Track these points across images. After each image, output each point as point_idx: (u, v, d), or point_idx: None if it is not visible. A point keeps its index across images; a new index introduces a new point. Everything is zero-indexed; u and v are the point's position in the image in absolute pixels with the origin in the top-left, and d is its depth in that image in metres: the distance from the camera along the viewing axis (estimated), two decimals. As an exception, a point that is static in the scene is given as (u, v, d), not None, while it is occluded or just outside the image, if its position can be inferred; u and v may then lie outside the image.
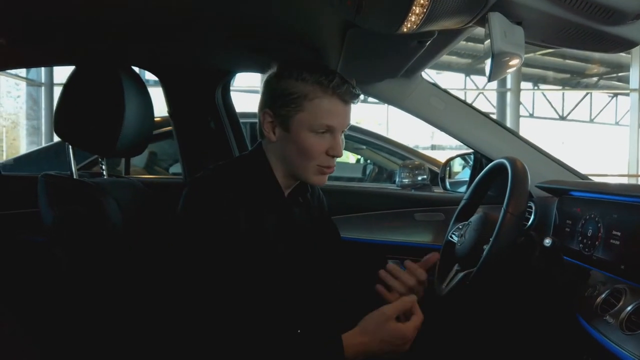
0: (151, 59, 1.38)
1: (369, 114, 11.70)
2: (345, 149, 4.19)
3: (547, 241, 1.03)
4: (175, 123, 1.53)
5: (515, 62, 0.76)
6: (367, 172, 4.18)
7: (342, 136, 1.03)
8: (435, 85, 1.44)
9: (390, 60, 1.15)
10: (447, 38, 1.04)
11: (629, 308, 0.89)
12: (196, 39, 1.19)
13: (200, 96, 1.48)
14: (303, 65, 0.98)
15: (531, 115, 13.26)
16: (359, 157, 4.71)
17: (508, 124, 9.57)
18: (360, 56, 1.13)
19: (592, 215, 1.14)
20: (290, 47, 1.17)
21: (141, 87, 1.20)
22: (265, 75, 1.02)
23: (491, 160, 1.28)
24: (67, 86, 1.13)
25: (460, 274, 1.13)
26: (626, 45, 0.76)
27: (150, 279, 1.08)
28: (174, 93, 1.50)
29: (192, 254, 0.90)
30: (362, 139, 3.67)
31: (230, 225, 0.91)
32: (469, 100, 11.67)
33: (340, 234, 1.35)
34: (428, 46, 1.05)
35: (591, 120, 14.23)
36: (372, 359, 0.90)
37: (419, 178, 2.61)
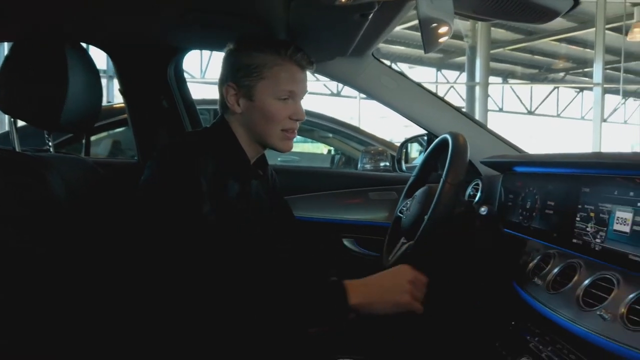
0: (100, 35, 1.36)
1: (341, 108, 11.77)
2: (312, 138, 4.20)
3: (483, 209, 1.07)
4: (128, 101, 1.51)
5: (444, 30, 0.78)
6: (335, 161, 4.21)
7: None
8: (386, 65, 1.46)
9: (336, 36, 1.17)
10: (389, 13, 1.06)
11: (555, 270, 0.93)
12: (146, 14, 1.18)
13: (152, 74, 1.47)
14: (259, 39, 1.05)
15: (500, 110, 13.53)
16: (330, 148, 4.74)
17: (477, 117, 9.73)
18: (307, 31, 1.14)
19: (531, 189, 1.18)
20: (239, 23, 1.17)
21: (88, 63, 1.19)
22: (225, 51, 1.07)
23: None
24: (9, 59, 1.11)
25: (405, 246, 1.17)
26: (550, 14, 0.80)
27: (104, 256, 1.06)
28: (125, 71, 1.48)
29: (176, 218, 0.88)
30: (328, 127, 3.69)
31: (203, 187, 0.91)
32: (440, 94, 11.91)
33: (296, 214, 1.36)
34: (373, 22, 1.07)
35: (558, 115, 14.61)
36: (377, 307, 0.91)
37: (381, 164, 2.65)
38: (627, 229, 0.82)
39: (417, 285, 0.94)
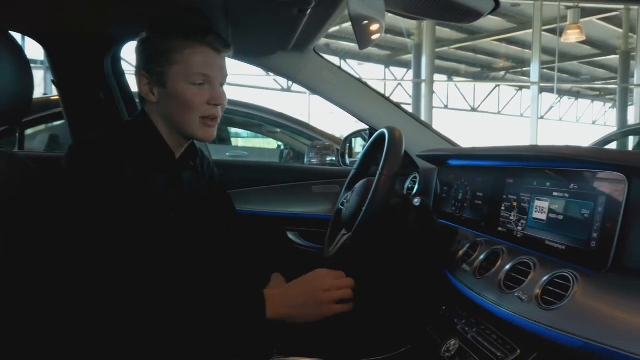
0: (32, 24, 1.30)
1: (292, 103, 11.75)
2: (261, 133, 4.17)
3: (417, 200, 1.11)
4: (62, 93, 1.45)
5: (376, 27, 0.81)
6: (283, 156, 4.22)
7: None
8: (327, 60, 1.49)
9: (276, 30, 1.18)
10: (327, 9, 1.08)
11: (481, 257, 0.99)
12: (81, 3, 1.14)
13: (88, 65, 1.42)
14: (170, 24, 1.00)
15: (446, 107, 13.95)
16: (279, 143, 4.74)
17: (423, 114, 10.00)
18: (247, 25, 1.14)
19: (463, 181, 1.24)
20: (178, 14, 1.15)
21: (16, 52, 1.13)
22: (137, 40, 1.03)
23: None
24: None
25: (345, 237, 1.20)
26: (474, 15, 0.84)
27: (31, 252, 1.02)
28: (58, 61, 1.42)
29: (97, 217, 0.86)
30: (277, 122, 3.69)
31: (124, 183, 0.89)
32: (388, 91, 12.16)
33: (240, 208, 1.36)
34: (312, 18, 1.09)
35: (499, 112, 15.27)
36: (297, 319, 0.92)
37: (328, 159, 2.68)
38: (544, 216, 0.89)
39: (337, 288, 0.96)
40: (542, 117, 12.43)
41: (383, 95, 1.54)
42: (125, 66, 1.57)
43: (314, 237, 1.62)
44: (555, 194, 0.87)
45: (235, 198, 1.37)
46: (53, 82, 1.45)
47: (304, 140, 3.82)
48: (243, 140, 5.45)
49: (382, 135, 1.23)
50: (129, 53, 1.48)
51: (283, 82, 11.15)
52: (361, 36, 0.81)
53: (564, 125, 16.75)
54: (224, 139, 4.05)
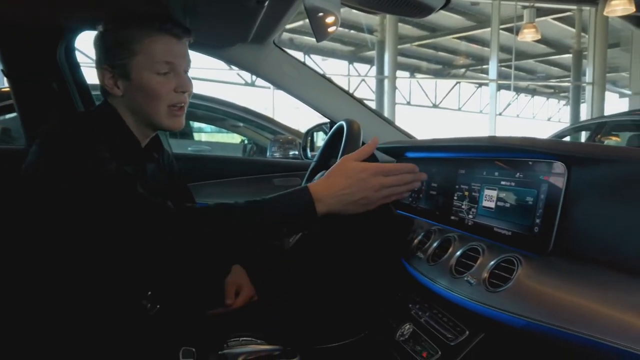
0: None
1: (256, 98, 11.68)
2: (224, 127, 4.13)
3: (374, 191, 1.14)
4: (13, 84, 1.40)
5: (331, 20, 0.83)
6: (247, 150, 4.20)
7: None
8: (287, 53, 1.50)
9: (234, 22, 1.18)
10: (285, 1, 1.09)
11: (435, 244, 1.03)
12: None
13: (40, 55, 1.38)
14: (127, 14, 0.99)
15: (408, 103, 14.19)
16: (243, 137, 4.71)
17: (386, 110, 10.14)
18: (205, 16, 1.14)
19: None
20: (133, 3, 1.13)
21: None
22: (95, 34, 1.01)
23: None
24: None
25: (304, 228, 1.21)
26: (426, 10, 0.87)
27: None
28: (9, 51, 1.37)
29: (67, 203, 0.84)
30: (240, 116, 3.67)
31: (94, 169, 0.86)
32: (352, 87, 12.26)
33: (201, 201, 1.35)
34: (271, 10, 1.09)
35: (459, 109, 15.65)
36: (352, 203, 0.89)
37: (290, 152, 2.69)
38: (492, 205, 0.93)
39: (387, 185, 0.91)
40: (500, 114, 12.84)
41: (343, 90, 1.56)
42: (81, 58, 1.54)
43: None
44: (502, 183, 0.91)
45: (196, 191, 1.37)
46: (3, 72, 1.40)
47: (267, 134, 3.81)
48: (206, 134, 5.39)
49: (340, 127, 1.26)
50: (83, 44, 1.45)
51: (247, 76, 11.07)
52: (317, 29, 0.83)
53: (521, 121, 17.34)
54: (186, 133, 4.00)
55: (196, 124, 4.64)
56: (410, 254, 1.10)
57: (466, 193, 1.03)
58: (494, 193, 0.94)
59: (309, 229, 0.90)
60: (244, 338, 0.91)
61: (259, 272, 1.14)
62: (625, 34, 10.89)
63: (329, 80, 1.55)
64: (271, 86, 10.64)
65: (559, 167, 0.78)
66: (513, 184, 0.89)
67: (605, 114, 8.76)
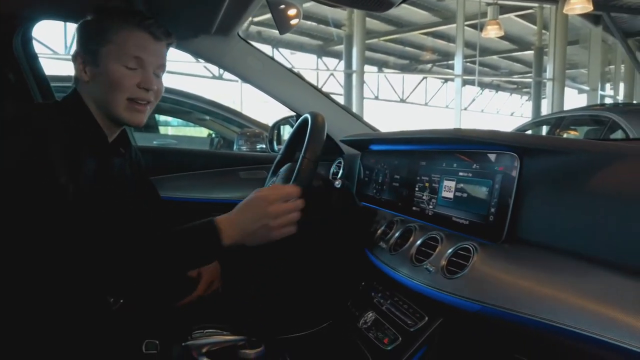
0: None
1: (224, 91, 11.54)
2: (190, 120, 4.05)
3: (337, 183, 1.16)
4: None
5: (293, 12, 0.83)
6: (214, 144, 4.16)
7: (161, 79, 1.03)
8: (252, 45, 1.49)
9: (197, 12, 1.17)
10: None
11: (397, 234, 1.05)
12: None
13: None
14: (110, 7, 0.99)
15: (376, 98, 14.30)
16: (209, 131, 4.65)
17: (354, 104, 10.21)
18: (166, 6, 1.13)
19: (383, 165, 1.31)
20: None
21: None
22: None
23: None
24: None
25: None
26: (386, 4, 0.89)
27: None
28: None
29: (25, 196, 0.81)
30: (207, 110, 3.63)
31: (56, 161, 0.85)
32: (320, 81, 12.27)
33: (166, 194, 1.34)
34: (234, 1, 1.09)
35: (426, 104, 15.89)
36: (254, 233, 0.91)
37: (257, 146, 2.69)
38: (451, 195, 0.96)
39: (286, 213, 0.93)
40: (465, 109, 13.12)
41: (309, 83, 1.57)
42: (40, 49, 1.49)
43: (241, 223, 1.62)
44: (461, 174, 0.94)
45: (161, 184, 1.35)
46: (-46, 61, 1.35)
47: (234, 128, 3.78)
48: (172, 128, 5.30)
49: (305, 120, 1.26)
50: (43, 33, 1.41)
51: (214, 69, 10.91)
52: (279, 21, 0.83)
53: (485, 116, 17.76)
54: (151, 127, 3.92)
55: (162, 117, 4.56)
56: (373, 244, 1.12)
57: (427, 184, 1.06)
58: (452, 184, 0.97)
59: (215, 260, 0.90)
60: (208, 329, 0.92)
61: (222, 264, 1.14)
62: (584, 32, 11.29)
63: (295, 74, 1.55)
64: (239, 80, 10.54)
65: (512, 158, 0.81)
66: (470, 174, 0.92)
67: (565, 109, 9.08)
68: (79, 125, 0.97)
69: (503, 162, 0.83)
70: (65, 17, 1.03)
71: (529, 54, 13.09)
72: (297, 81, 1.53)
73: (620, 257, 0.62)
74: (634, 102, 10.98)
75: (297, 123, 1.36)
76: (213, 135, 4.36)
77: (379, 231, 1.14)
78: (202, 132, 4.77)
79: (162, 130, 4.75)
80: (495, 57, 14.46)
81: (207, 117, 3.77)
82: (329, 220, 1.19)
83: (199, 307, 0.91)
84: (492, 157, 0.86)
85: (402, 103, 15.06)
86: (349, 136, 1.39)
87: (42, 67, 1.46)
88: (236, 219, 0.90)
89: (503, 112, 19.36)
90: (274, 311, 1.16)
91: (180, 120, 4.88)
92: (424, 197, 1.06)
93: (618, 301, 0.58)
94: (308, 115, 1.22)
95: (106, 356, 0.86)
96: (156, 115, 4.07)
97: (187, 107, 3.62)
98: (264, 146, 2.67)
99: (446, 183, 0.99)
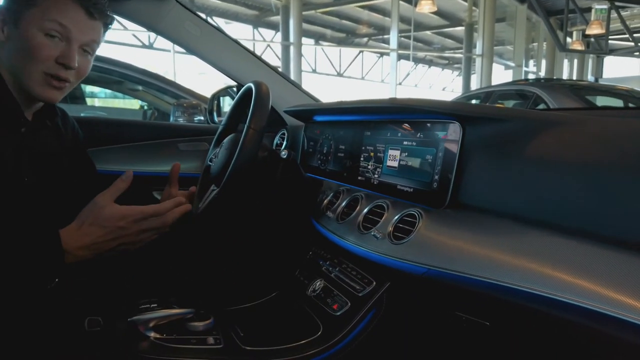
0: None
1: (154, 62, 11.02)
2: (120, 91, 3.83)
3: (284, 153, 1.15)
4: None
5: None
6: (147, 116, 3.97)
7: (88, 58, 0.95)
8: (191, 11, 1.42)
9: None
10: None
11: (343, 203, 1.07)
12: None
13: None
14: None
15: (314, 71, 14.27)
16: (143, 103, 4.42)
17: (292, 77, 10.10)
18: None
19: (327, 135, 1.31)
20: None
21: None
22: None
23: None
24: None
25: (214, 192, 1.19)
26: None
27: None
28: None
29: None
30: (139, 79, 3.44)
31: None
32: (257, 52, 12.00)
33: (102, 167, 1.27)
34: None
35: (363, 78, 16.06)
36: (108, 250, 0.85)
37: (195, 118, 2.60)
38: (396, 164, 0.99)
39: (138, 223, 0.88)
40: (400, 83, 13.39)
41: (250, 51, 1.53)
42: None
43: (182, 196, 1.58)
44: (405, 143, 0.97)
45: (95, 156, 1.28)
46: None
47: (169, 99, 3.61)
48: (100, 100, 4.99)
49: (249, 89, 1.23)
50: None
51: (144, 37, 10.37)
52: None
53: (419, 91, 18.24)
54: (77, 97, 3.66)
55: (89, 88, 4.28)
56: (319, 213, 1.13)
57: (372, 154, 1.08)
58: (397, 153, 0.99)
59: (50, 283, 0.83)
60: (154, 304, 0.89)
61: (167, 236, 1.11)
62: (511, 9, 11.79)
63: (235, 41, 1.50)
64: (171, 49, 10.08)
65: (455, 126, 0.84)
66: (414, 143, 0.94)
67: (493, 84, 9.52)
68: None
69: (446, 130, 0.86)
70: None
71: (460, 30, 13.51)
72: (237, 49, 1.49)
73: (554, 218, 0.66)
74: (554, 77, 11.71)
75: (239, 93, 1.33)
76: (145, 107, 4.16)
77: (326, 201, 1.15)
78: (133, 104, 4.53)
79: (89, 101, 4.46)
80: (428, 32, 14.79)
81: (140, 88, 3.58)
82: (274, 191, 1.19)
83: (141, 281, 0.88)
84: (436, 125, 0.89)
85: (339, 77, 15.12)
86: (294, 107, 1.38)
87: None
88: (87, 239, 0.82)
89: (435, 87, 19.99)
90: (220, 283, 1.15)
91: (109, 91, 4.61)
92: (369, 167, 1.08)
93: (549, 258, 0.62)
94: (252, 85, 1.20)
95: (46, 337, 0.81)
96: (82, 86, 3.81)
97: (117, 76, 3.41)
98: (202, 118, 2.58)
99: (391, 152, 1.01)
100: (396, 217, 0.88)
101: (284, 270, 1.17)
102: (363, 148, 1.11)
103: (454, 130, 0.84)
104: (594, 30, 9.13)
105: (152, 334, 0.84)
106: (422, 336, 0.87)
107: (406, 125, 0.97)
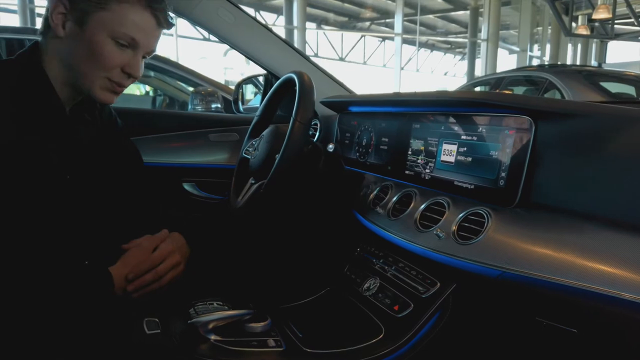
0: None
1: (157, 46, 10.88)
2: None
3: (330, 146, 1.12)
4: None
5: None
6: (157, 103, 3.91)
7: (143, 62, 0.91)
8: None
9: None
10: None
11: (394, 199, 1.04)
12: None
13: None
14: None
15: (316, 55, 14.11)
16: (148, 89, 4.35)
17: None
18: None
19: (366, 127, 1.27)
20: None
21: None
22: None
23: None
24: None
25: (255, 186, 1.16)
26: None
27: None
28: None
29: None
30: (150, 64, 3.37)
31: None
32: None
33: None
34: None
35: (365, 62, 15.91)
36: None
37: (212, 106, 2.56)
38: (452, 159, 0.95)
39: (161, 260, 0.90)
40: (402, 68, 13.25)
41: (284, 40, 1.48)
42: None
43: (212, 188, 1.55)
44: (463, 137, 0.93)
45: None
46: None
47: (181, 86, 3.54)
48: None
49: (287, 80, 1.20)
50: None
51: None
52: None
53: (420, 76, 18.10)
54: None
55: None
56: (366, 208, 1.10)
57: (422, 147, 1.04)
58: (453, 147, 0.96)
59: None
60: (211, 304, 0.87)
61: (209, 236, 1.08)
62: (516, -6, 11.65)
63: (269, 29, 1.46)
64: (173, 34, 9.93)
65: (525, 121, 0.81)
66: (475, 138, 0.91)
67: (497, 69, 9.42)
68: (29, 91, 0.82)
69: (515, 125, 0.83)
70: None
71: (464, 14, 13.35)
72: (271, 38, 1.44)
73: (636, 219, 0.64)
74: (559, 63, 11.61)
75: (277, 83, 1.29)
76: (151, 93, 4.09)
77: (372, 195, 1.12)
78: (131, 88, 4.45)
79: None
80: (431, 16, 14.61)
81: (152, 74, 3.51)
82: (317, 186, 1.16)
83: (191, 282, 0.86)
84: (501, 120, 0.86)
85: (341, 61, 14.98)
86: (330, 97, 1.34)
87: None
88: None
89: (437, 72, 19.84)
90: (272, 280, 1.13)
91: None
92: (418, 161, 1.05)
93: (634, 261, 0.60)
94: (293, 75, 1.16)
95: (111, 343, 0.79)
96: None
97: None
98: (219, 105, 2.54)
99: (445, 147, 0.98)
100: (460, 216, 0.85)
101: (332, 267, 1.15)
102: (411, 141, 1.08)
103: (525, 126, 0.81)
104: (601, 14, 9.00)
105: (212, 337, 0.81)
106: (495, 340, 0.85)
107: (465, 119, 0.94)
